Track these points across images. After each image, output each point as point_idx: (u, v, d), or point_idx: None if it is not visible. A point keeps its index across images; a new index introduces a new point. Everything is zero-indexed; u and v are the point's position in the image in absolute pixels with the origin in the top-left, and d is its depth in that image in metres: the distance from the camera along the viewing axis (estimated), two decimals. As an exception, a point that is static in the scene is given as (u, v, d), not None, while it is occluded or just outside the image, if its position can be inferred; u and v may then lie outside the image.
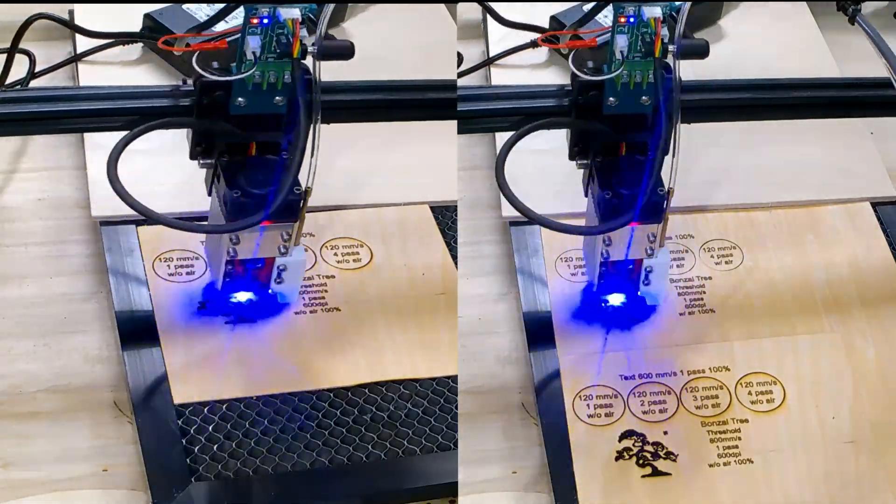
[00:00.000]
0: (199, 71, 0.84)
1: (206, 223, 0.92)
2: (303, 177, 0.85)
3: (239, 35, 0.84)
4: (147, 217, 0.83)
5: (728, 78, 0.94)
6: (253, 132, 0.87)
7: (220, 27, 0.90)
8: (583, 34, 0.98)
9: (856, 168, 1.10)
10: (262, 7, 0.83)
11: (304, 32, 0.84)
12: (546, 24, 1.18)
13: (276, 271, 0.91)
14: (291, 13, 0.83)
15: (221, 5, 0.91)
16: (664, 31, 0.85)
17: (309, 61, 0.84)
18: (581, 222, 0.94)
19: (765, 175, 1.09)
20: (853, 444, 0.90)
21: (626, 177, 0.89)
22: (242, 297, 0.93)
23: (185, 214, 0.96)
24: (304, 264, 0.91)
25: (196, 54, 0.85)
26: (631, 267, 0.93)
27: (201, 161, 0.88)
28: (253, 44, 0.84)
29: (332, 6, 0.84)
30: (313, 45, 0.83)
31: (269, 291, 0.93)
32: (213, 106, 0.85)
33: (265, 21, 0.83)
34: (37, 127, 0.90)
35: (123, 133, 0.85)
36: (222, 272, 0.90)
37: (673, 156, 0.86)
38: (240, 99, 0.85)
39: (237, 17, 0.86)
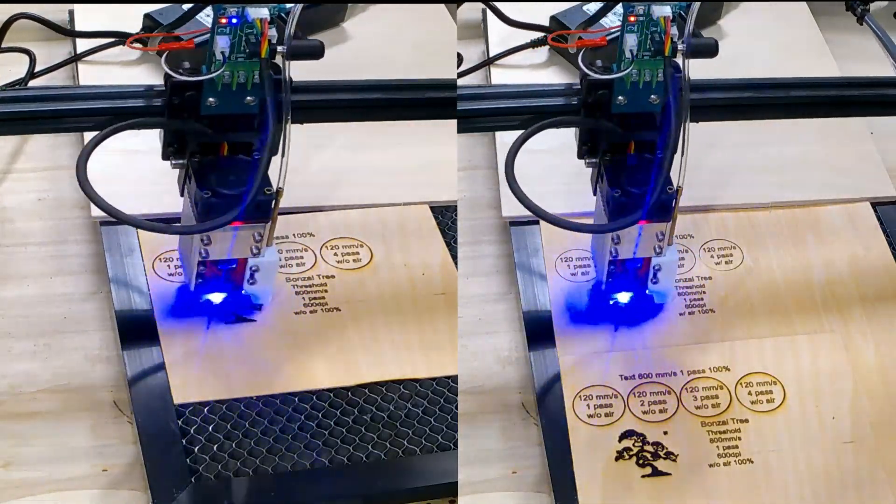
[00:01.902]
0: (168, 71, 0.84)
1: (176, 224, 0.92)
2: (277, 177, 0.85)
3: (208, 35, 0.84)
4: (115, 217, 0.83)
5: (727, 77, 0.94)
6: (224, 132, 0.87)
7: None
8: (585, 34, 0.98)
9: (856, 168, 1.10)
10: (231, 7, 0.83)
11: (273, 32, 0.83)
12: (546, 25, 1.18)
13: (249, 272, 0.91)
14: (260, 13, 0.83)
15: (218, 5, 0.91)
16: (673, 30, 0.85)
17: (280, 61, 0.84)
18: (582, 222, 0.94)
19: (765, 175, 1.09)
20: (853, 444, 0.90)
21: (635, 175, 0.89)
22: (215, 298, 0.93)
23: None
24: (277, 265, 0.91)
25: (165, 54, 0.85)
26: (639, 266, 0.93)
27: (173, 161, 0.88)
28: (222, 44, 0.84)
29: (300, 6, 0.84)
30: (282, 44, 0.83)
31: (243, 292, 0.93)
32: (184, 106, 0.85)
33: (234, 21, 0.83)
34: (23, 126, 0.90)
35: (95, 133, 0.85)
36: (195, 273, 0.90)
37: (682, 154, 0.86)
38: (210, 99, 0.85)
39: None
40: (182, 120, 0.85)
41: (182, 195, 0.89)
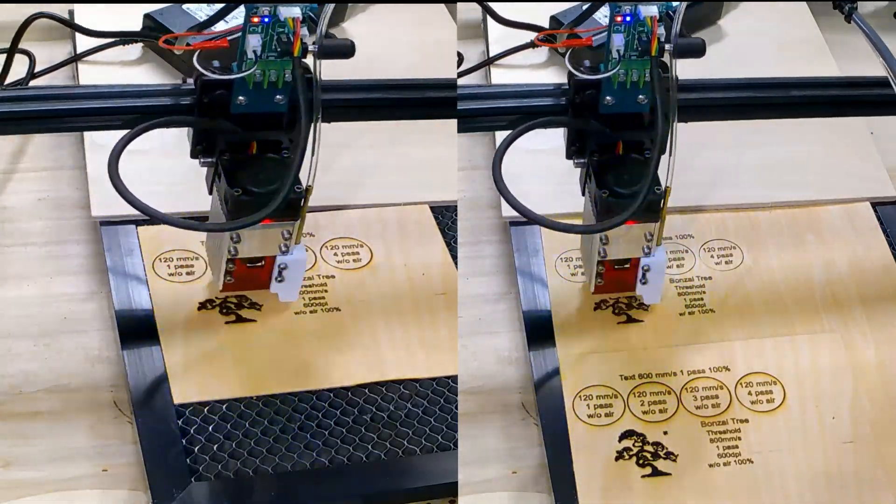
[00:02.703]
0: (200, 70, 0.84)
1: (208, 222, 0.92)
2: (304, 175, 0.85)
3: (240, 34, 0.84)
4: (149, 216, 0.83)
5: (727, 77, 0.94)
6: (254, 131, 0.87)
7: (221, 26, 0.90)
8: (580, 33, 0.98)
9: (856, 168, 1.10)
10: (263, 6, 0.83)
11: (304, 31, 0.84)
12: (546, 24, 1.18)
13: (277, 270, 0.91)
14: (292, 12, 0.83)
15: (221, 5, 0.91)
16: (660, 30, 0.85)
17: (310, 60, 0.84)
18: (579, 222, 0.94)
19: (765, 175, 1.09)
20: (853, 444, 0.90)
21: (622, 176, 0.89)
22: None
23: (186, 214, 0.96)
24: (305, 263, 0.92)
25: (197, 53, 0.85)
26: (627, 266, 0.93)
27: (202, 160, 0.88)
28: (253, 42, 0.84)
29: (332, 5, 0.84)
30: (314, 43, 0.83)
31: (270, 290, 0.93)
32: (213, 104, 0.85)
33: (266, 19, 0.84)
34: (36, 125, 0.90)
35: (124, 132, 0.85)
36: (223, 270, 0.91)
37: (670, 155, 0.86)
38: (241, 97, 0.85)
39: (238, 17, 0.86)
40: (212, 118, 0.86)
41: (210, 193, 0.89)
